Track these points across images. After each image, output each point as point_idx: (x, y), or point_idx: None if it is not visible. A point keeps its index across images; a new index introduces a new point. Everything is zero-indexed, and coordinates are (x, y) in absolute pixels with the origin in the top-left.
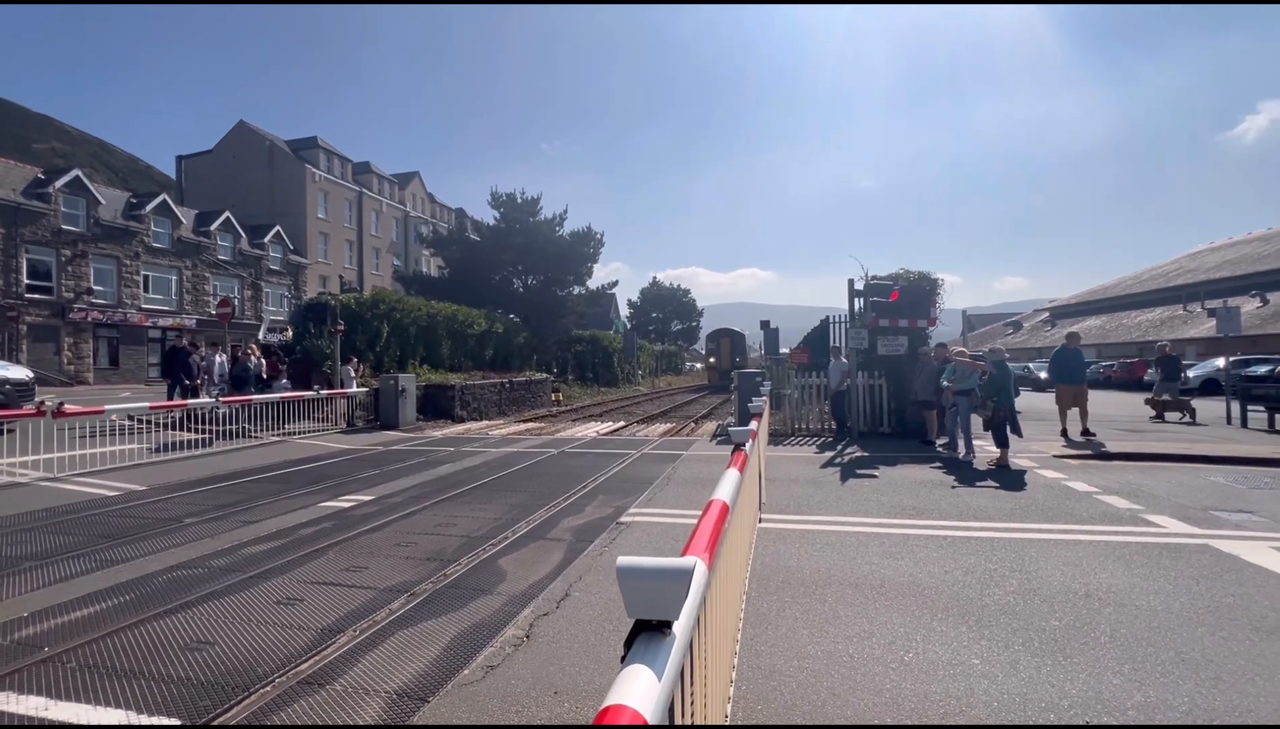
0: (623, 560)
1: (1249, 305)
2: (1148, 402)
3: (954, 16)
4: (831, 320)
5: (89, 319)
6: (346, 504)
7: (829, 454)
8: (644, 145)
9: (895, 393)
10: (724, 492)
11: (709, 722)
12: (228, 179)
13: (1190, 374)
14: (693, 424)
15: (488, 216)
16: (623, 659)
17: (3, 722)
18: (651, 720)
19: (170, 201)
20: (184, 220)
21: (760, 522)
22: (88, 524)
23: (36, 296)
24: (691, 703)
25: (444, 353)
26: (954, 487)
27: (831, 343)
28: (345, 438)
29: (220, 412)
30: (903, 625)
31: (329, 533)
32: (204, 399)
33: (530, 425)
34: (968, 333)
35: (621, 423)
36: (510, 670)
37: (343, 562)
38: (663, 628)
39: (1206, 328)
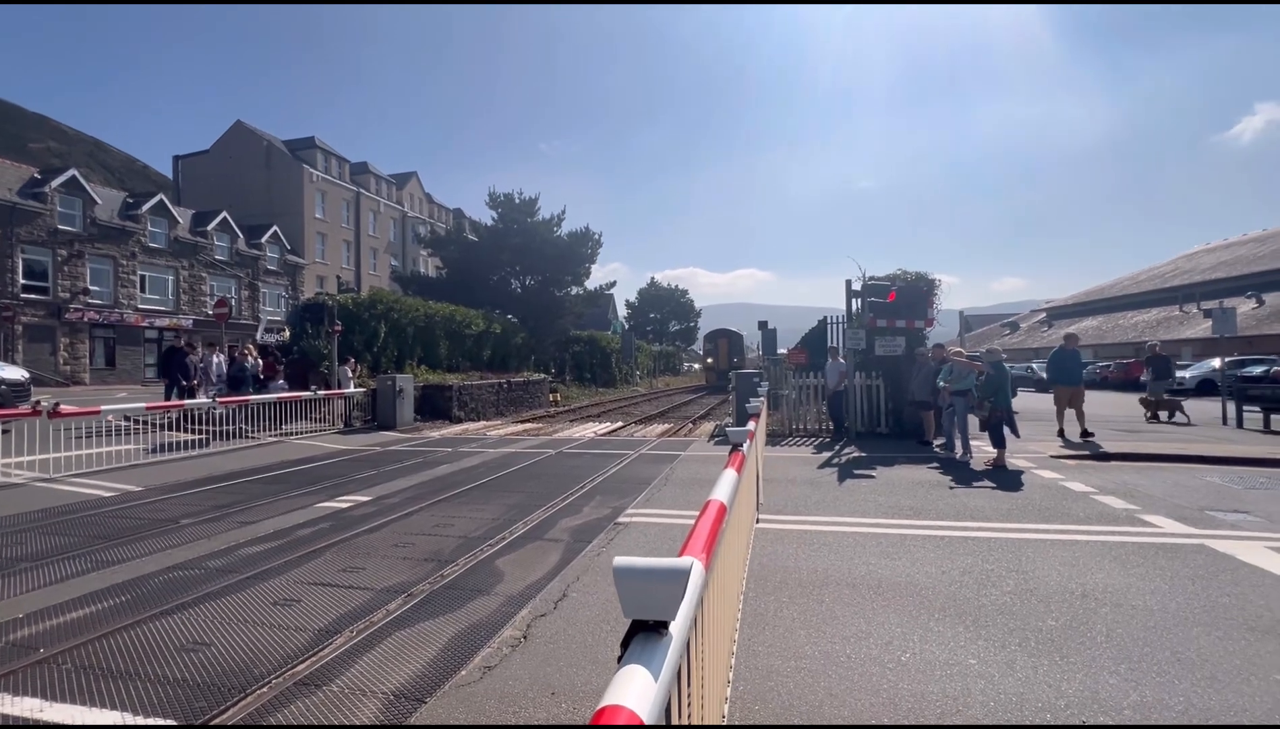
0: (619, 560)
1: (1245, 306)
2: (1141, 401)
3: (953, 17)
4: (829, 321)
5: (85, 319)
6: (344, 505)
7: (826, 454)
8: (642, 145)
9: (892, 393)
10: (721, 492)
11: (706, 722)
12: (225, 179)
13: (1186, 375)
14: (690, 425)
15: (485, 217)
16: (619, 659)
17: None
18: (648, 721)
19: (167, 201)
20: (181, 220)
21: (758, 522)
22: (83, 525)
23: (32, 297)
24: (688, 703)
25: (442, 353)
26: (951, 487)
27: (829, 343)
28: (342, 438)
29: (217, 412)
30: (900, 626)
31: (326, 534)
32: (201, 399)
33: (528, 426)
34: (965, 333)
35: (619, 423)
36: (508, 671)
37: (340, 562)
38: (659, 628)
39: (1203, 328)
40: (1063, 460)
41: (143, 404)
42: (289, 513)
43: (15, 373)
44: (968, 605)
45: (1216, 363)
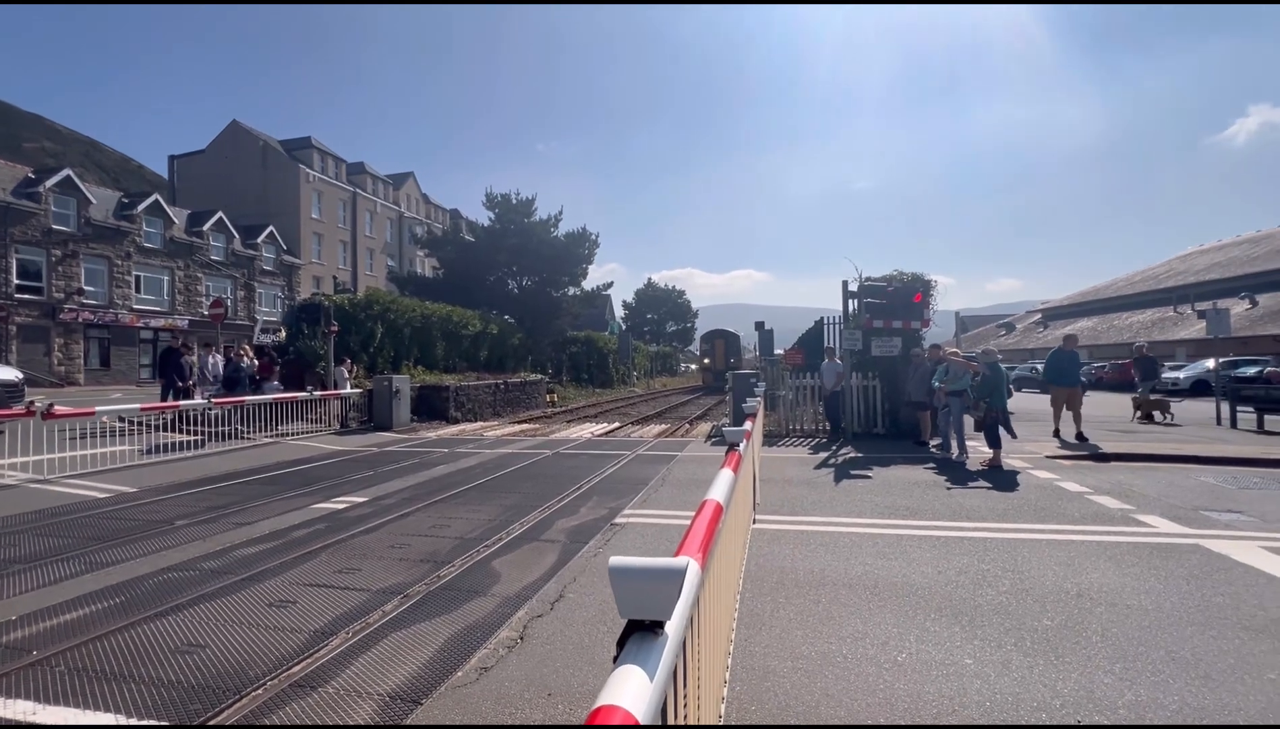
0: (615, 560)
1: (1238, 307)
2: (1134, 400)
3: (950, 17)
4: (826, 322)
5: (80, 320)
6: (340, 506)
7: (823, 455)
8: (640, 147)
9: (889, 394)
10: (718, 492)
11: (702, 722)
12: (221, 179)
13: (1181, 375)
14: (687, 425)
15: (482, 217)
16: (615, 660)
17: None
18: (643, 721)
19: (162, 201)
20: (176, 220)
21: (755, 522)
22: (78, 526)
23: (26, 297)
24: (684, 703)
25: (438, 354)
26: (947, 487)
27: (826, 344)
28: (339, 439)
29: (212, 413)
30: (896, 626)
31: (322, 535)
32: (196, 400)
33: (525, 426)
34: (961, 334)
35: (616, 424)
36: (504, 672)
37: (336, 563)
38: (655, 628)
39: (1197, 329)
40: (1058, 461)
41: (137, 405)
42: (285, 514)
43: (9, 373)
44: (964, 605)
45: (1211, 364)
